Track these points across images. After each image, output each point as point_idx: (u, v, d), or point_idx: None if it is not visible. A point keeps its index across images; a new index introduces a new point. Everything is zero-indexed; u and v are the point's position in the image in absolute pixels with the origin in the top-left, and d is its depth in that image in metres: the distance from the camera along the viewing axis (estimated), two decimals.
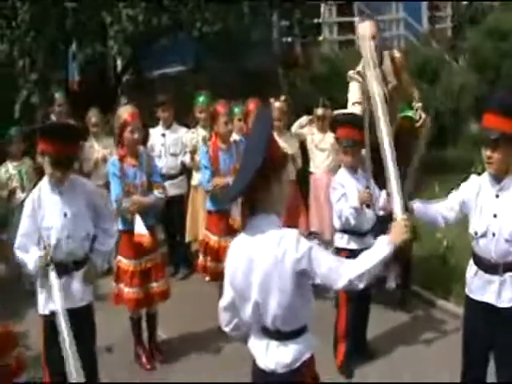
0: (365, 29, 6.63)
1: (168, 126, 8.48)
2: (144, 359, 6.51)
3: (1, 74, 10.30)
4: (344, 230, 6.03)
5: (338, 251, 6.02)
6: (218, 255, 6.77)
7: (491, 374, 4.78)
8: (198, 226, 8.14)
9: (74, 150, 5.26)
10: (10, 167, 8.13)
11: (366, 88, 6.70)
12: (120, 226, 6.31)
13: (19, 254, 5.11)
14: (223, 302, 3.84)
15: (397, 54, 7.03)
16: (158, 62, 13.43)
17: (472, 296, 4.72)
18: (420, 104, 6.96)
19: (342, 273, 3.48)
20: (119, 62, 13.27)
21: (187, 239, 8.50)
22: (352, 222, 5.83)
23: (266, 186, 3.51)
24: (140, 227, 6.14)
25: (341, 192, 5.93)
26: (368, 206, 5.85)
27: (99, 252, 5.29)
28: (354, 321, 6.22)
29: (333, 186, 6.09)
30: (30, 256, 5.02)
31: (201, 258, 7.23)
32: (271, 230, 3.51)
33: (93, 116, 8.63)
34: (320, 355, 3.86)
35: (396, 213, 3.86)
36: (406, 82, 7.10)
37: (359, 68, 6.85)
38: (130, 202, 6.11)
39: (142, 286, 6.29)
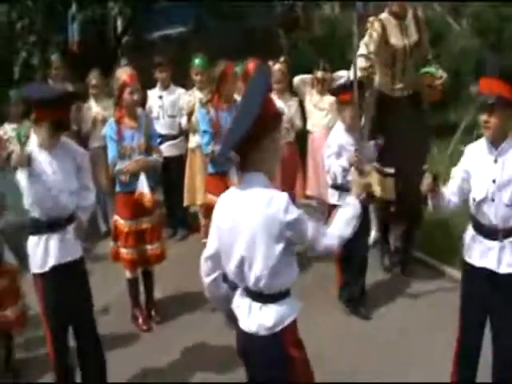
0: None
1: (165, 87, 8.45)
2: (141, 320, 6.58)
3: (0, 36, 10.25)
4: (336, 187, 6.09)
5: (332, 207, 6.01)
6: None
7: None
8: (196, 191, 8.11)
9: (67, 112, 5.25)
10: (9, 129, 8.05)
11: (384, 39, 6.69)
12: (117, 188, 6.40)
13: None
14: (206, 252, 3.82)
15: (420, 12, 6.98)
16: (158, 23, 13.31)
17: (471, 262, 4.70)
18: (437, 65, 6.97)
19: (326, 234, 3.63)
20: (119, 23, 13.17)
21: (185, 204, 8.44)
22: (339, 179, 5.94)
23: (257, 143, 3.47)
24: (143, 186, 6.19)
25: (333, 150, 6.05)
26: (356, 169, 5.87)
27: (83, 208, 5.33)
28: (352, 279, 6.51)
29: (328, 143, 6.18)
30: None
31: (203, 220, 7.20)
32: (261, 189, 3.48)
33: (93, 78, 8.61)
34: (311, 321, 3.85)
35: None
36: (425, 40, 7.05)
37: (384, 15, 6.78)
38: (134, 161, 6.16)
39: (136, 247, 6.33)
